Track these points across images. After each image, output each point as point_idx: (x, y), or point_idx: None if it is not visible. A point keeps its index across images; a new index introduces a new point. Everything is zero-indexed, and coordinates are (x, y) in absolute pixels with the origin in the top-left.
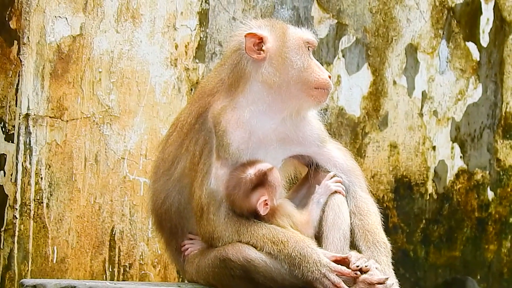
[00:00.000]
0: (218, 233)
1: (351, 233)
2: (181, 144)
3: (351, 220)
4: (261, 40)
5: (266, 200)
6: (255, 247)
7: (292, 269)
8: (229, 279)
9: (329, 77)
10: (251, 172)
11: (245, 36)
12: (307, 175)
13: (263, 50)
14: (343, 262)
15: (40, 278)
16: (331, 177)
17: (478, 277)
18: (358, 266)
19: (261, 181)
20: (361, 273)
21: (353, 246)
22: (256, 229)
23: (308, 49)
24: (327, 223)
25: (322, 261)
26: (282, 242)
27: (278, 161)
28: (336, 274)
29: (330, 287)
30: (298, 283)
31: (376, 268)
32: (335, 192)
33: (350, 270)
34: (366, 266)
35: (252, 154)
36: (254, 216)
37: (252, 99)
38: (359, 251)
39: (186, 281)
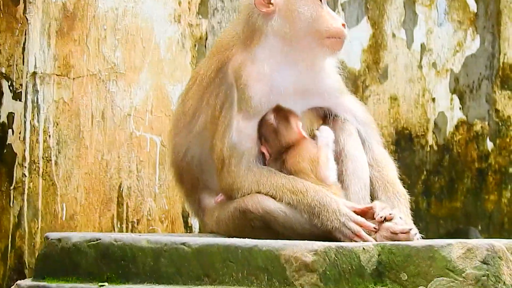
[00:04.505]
0: (238, 184)
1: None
2: (201, 97)
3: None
4: None
5: (301, 125)
6: (274, 198)
7: (311, 219)
8: (249, 230)
9: (343, 25)
10: (273, 113)
11: None
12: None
13: (272, 3)
14: (367, 212)
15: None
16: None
17: (479, 228)
18: (382, 217)
19: (289, 111)
20: (385, 221)
21: (372, 197)
22: (275, 179)
23: None
24: (347, 173)
25: (341, 211)
26: (301, 192)
27: (297, 113)
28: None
29: (350, 236)
30: (318, 233)
31: (400, 217)
32: (351, 141)
33: (369, 223)
34: (390, 214)
35: (272, 107)
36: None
37: (269, 52)
38: None
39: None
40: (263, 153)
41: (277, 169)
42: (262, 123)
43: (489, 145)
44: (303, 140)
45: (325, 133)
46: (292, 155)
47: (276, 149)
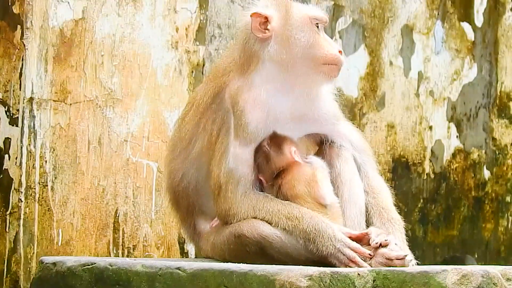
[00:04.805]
0: (234, 210)
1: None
2: (198, 123)
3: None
4: (266, 20)
5: (295, 150)
6: (270, 223)
7: (307, 244)
8: (244, 255)
9: (340, 52)
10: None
11: (250, 16)
12: (319, 153)
13: (268, 29)
14: (362, 238)
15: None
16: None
17: (476, 256)
18: (377, 243)
19: (283, 137)
20: (380, 247)
21: (368, 223)
22: (271, 205)
23: (317, 26)
24: (343, 199)
25: (336, 236)
26: (297, 217)
27: (294, 139)
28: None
29: (345, 262)
30: (313, 258)
31: (396, 243)
32: (346, 164)
33: (365, 249)
34: (385, 240)
35: (269, 133)
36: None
37: (266, 78)
38: None
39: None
40: (260, 179)
41: (273, 194)
42: (257, 149)
43: (486, 173)
44: (296, 164)
45: (316, 161)
46: (287, 179)
47: (268, 174)
